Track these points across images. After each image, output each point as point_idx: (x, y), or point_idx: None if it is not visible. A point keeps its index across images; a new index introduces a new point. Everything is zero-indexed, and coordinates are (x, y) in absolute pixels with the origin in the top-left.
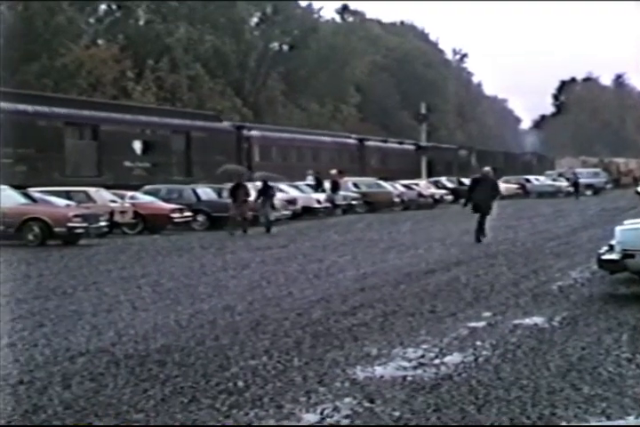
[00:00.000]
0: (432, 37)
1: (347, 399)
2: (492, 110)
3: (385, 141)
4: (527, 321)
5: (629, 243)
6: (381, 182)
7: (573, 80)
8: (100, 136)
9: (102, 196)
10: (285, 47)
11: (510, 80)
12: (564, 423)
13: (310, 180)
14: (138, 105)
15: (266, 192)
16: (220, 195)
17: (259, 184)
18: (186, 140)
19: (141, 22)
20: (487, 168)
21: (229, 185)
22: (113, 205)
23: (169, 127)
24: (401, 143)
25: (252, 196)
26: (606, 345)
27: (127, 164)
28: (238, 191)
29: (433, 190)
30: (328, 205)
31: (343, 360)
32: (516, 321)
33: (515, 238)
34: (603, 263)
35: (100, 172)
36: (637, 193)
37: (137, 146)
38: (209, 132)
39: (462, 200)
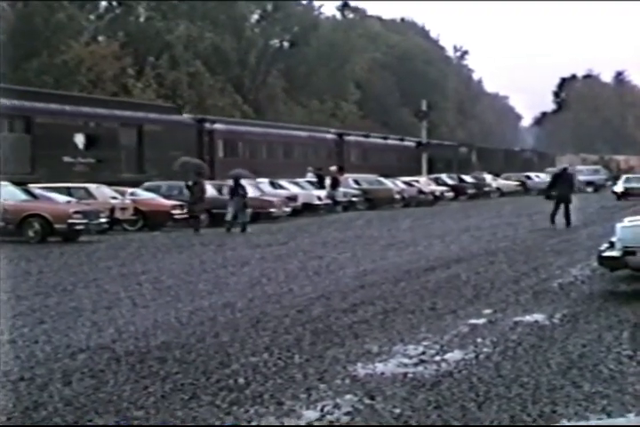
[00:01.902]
0: (433, 34)
1: (347, 396)
2: (492, 107)
3: (385, 138)
4: (528, 318)
5: (630, 240)
6: (382, 179)
7: (574, 77)
8: (34, 129)
9: (103, 192)
10: (286, 44)
11: (511, 77)
12: (564, 421)
13: (310, 176)
14: (80, 95)
15: (237, 191)
16: (220, 192)
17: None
18: (137, 133)
19: (142, 19)
20: (565, 164)
21: (228, 183)
22: (113, 201)
23: (117, 119)
24: (385, 138)
25: (209, 193)
26: (607, 342)
27: (67, 159)
28: (195, 188)
29: (433, 187)
30: (328, 201)
31: (344, 357)
32: (517, 318)
33: (515, 235)
34: (603, 260)
35: (33, 168)
36: (613, 192)
37: (79, 140)
38: (165, 125)
39: (462, 197)
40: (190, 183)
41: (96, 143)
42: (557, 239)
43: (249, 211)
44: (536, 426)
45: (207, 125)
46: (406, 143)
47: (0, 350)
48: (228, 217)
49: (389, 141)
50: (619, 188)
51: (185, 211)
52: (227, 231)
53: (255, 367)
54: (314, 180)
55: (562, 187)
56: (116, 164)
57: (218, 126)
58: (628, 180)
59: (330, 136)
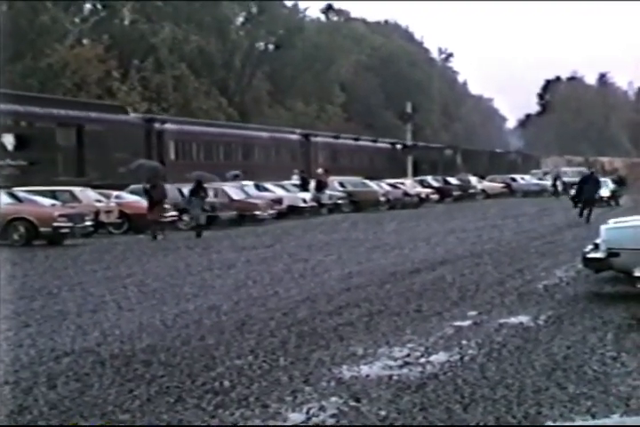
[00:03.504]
0: (417, 36)
1: (333, 399)
2: (477, 109)
3: (357, 139)
4: (512, 320)
5: (614, 241)
6: (367, 182)
7: (558, 79)
8: None
9: (87, 195)
10: (271, 47)
11: (495, 79)
12: (549, 422)
13: (296, 179)
14: (10, 92)
15: (197, 193)
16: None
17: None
18: (77, 134)
19: (126, 22)
20: (592, 169)
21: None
22: (98, 204)
23: (53, 119)
24: (357, 139)
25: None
26: (591, 344)
27: None
28: (154, 191)
29: (419, 189)
30: (314, 204)
31: (329, 360)
32: (502, 320)
33: (500, 237)
34: (588, 262)
35: None
36: (571, 199)
37: (8, 140)
38: (109, 125)
39: (447, 199)
40: (148, 187)
41: (28, 144)
42: (542, 241)
43: (205, 215)
44: (521, 426)
45: (157, 125)
46: (380, 144)
47: None
48: (194, 222)
49: (361, 142)
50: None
51: (148, 216)
52: (197, 237)
53: (240, 370)
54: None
55: (588, 190)
56: (51, 166)
57: (169, 126)
58: None
59: (294, 137)
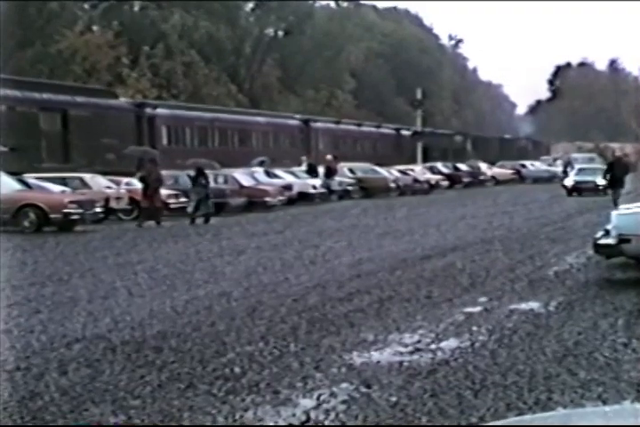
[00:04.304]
0: (426, 23)
1: (343, 385)
2: (487, 96)
3: (359, 125)
4: (523, 306)
5: (625, 227)
6: (377, 168)
7: (568, 65)
8: None
9: (98, 182)
10: (280, 33)
11: (505, 66)
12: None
13: (305, 165)
14: None
15: (198, 180)
16: (215, 181)
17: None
18: (62, 119)
19: (136, 8)
20: (620, 153)
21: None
22: (108, 191)
23: (35, 103)
24: (359, 125)
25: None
26: (602, 330)
27: None
28: (150, 178)
29: (428, 176)
30: (324, 190)
31: (339, 346)
32: (512, 306)
33: (510, 224)
34: (599, 248)
35: None
36: (563, 186)
37: None
38: (96, 109)
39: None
40: (142, 174)
41: (8, 130)
42: (553, 227)
43: (211, 201)
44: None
45: (148, 110)
46: (384, 130)
47: None
48: (190, 209)
49: (364, 128)
50: (569, 181)
51: (141, 203)
52: (190, 223)
53: (251, 356)
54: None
55: (617, 173)
56: (34, 152)
57: (160, 111)
58: (580, 171)
59: (293, 122)
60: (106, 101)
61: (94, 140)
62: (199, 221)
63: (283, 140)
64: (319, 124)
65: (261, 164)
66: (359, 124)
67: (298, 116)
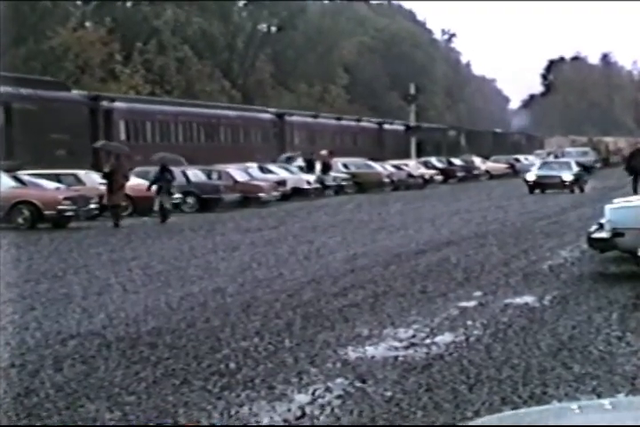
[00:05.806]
0: (419, 17)
1: (338, 380)
2: (480, 90)
3: (339, 119)
4: (518, 300)
5: (619, 221)
6: (371, 163)
7: (562, 59)
8: None
9: (92, 178)
10: (273, 28)
11: (499, 60)
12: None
13: (300, 161)
14: None
15: (163, 177)
16: (209, 177)
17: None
18: (5, 113)
19: (128, 4)
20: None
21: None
22: (102, 187)
23: None
24: (339, 119)
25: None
26: (596, 324)
27: None
28: (115, 175)
29: (422, 170)
30: (318, 186)
31: (334, 341)
32: (507, 301)
33: (504, 218)
34: (593, 242)
35: None
36: (525, 181)
37: None
38: (44, 102)
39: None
40: (107, 170)
41: None
42: (547, 221)
43: (175, 197)
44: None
45: (104, 103)
46: (365, 124)
47: None
48: (156, 207)
49: (343, 122)
50: (531, 176)
51: (107, 201)
52: (161, 222)
53: (246, 352)
54: (303, 164)
55: (637, 162)
56: None
57: (118, 105)
58: (544, 165)
59: (266, 116)
60: (55, 94)
61: (42, 135)
62: (196, 216)
63: (254, 134)
64: (295, 118)
65: (288, 160)
66: (339, 118)
67: (271, 109)
